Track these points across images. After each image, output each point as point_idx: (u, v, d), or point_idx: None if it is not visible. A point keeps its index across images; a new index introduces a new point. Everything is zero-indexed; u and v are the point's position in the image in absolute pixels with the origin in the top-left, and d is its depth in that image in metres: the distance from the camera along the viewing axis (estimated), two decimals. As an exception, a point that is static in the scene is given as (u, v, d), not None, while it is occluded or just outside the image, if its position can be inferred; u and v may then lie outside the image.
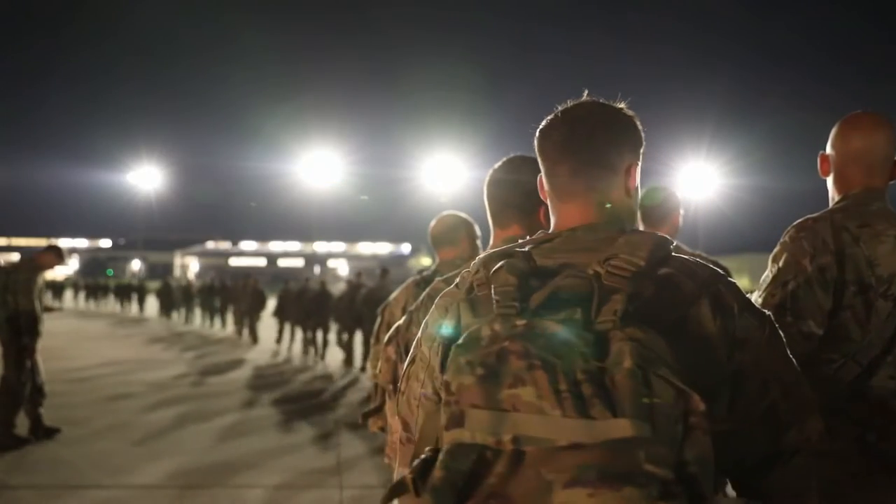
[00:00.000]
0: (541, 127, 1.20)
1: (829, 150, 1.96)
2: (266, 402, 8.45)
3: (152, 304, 29.36)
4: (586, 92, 1.20)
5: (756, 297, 1.76)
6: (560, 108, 1.19)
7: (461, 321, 1.02)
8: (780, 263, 1.80)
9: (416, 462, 0.95)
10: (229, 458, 5.71)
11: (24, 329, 6.10)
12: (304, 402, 8.62)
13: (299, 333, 14.30)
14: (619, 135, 1.15)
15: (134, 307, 31.38)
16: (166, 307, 25.40)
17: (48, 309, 6.59)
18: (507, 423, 0.88)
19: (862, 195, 1.85)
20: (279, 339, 14.97)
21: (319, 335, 13.37)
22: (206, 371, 11.46)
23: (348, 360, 12.00)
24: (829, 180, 1.97)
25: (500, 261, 1.05)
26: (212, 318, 21.56)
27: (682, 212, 3.00)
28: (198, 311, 23.20)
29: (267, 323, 16.96)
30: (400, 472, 1.22)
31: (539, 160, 1.21)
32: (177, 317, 24.69)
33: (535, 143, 1.21)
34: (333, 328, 13.14)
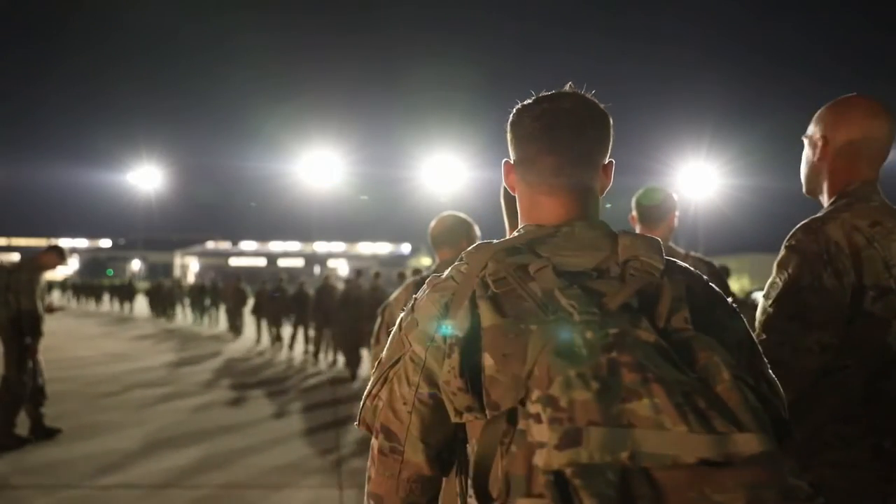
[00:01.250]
0: (519, 113, 1.14)
1: (825, 133, 1.75)
2: (261, 395, 8.48)
3: (146, 304, 29.60)
4: (569, 83, 1.13)
5: (764, 307, 1.66)
6: (540, 96, 1.13)
7: (481, 320, 0.96)
8: (790, 270, 1.63)
9: (549, 488, 0.82)
10: (225, 454, 5.72)
11: (27, 329, 6.12)
12: (269, 387, 8.78)
13: (274, 329, 15.47)
14: (604, 131, 1.13)
15: (126, 306, 31.65)
16: (158, 307, 26.25)
17: (50, 309, 6.61)
18: (626, 440, 0.82)
19: (862, 189, 1.70)
20: (259, 338, 16.28)
21: (298, 331, 14.50)
22: (190, 364, 11.61)
23: (316, 354, 12.87)
24: (822, 168, 1.77)
25: (509, 256, 1.02)
26: (202, 317, 22.86)
27: (677, 213, 2.99)
28: (189, 310, 24.51)
29: (249, 319, 17.84)
30: (382, 485, 1.11)
31: (514, 147, 1.15)
32: (169, 315, 25.47)
33: (512, 128, 1.15)
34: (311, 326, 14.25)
